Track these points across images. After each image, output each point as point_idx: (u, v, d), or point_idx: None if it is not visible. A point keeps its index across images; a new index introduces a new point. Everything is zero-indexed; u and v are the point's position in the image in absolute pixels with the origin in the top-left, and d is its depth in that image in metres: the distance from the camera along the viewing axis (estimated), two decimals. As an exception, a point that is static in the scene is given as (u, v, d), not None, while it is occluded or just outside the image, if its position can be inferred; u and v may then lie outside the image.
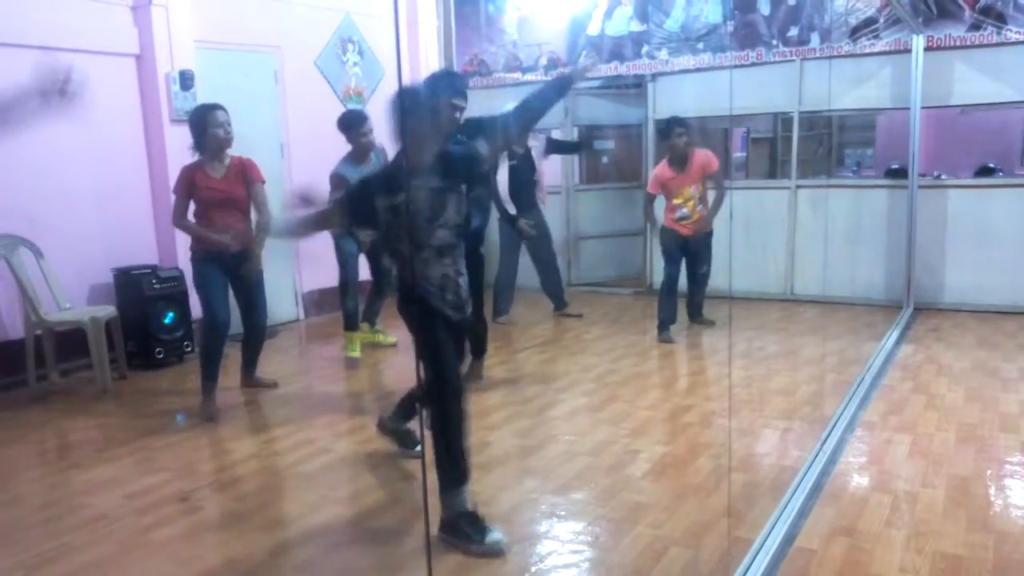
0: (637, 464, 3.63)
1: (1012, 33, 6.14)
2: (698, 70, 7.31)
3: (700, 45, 7.33)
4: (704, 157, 5.75)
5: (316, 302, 7.09)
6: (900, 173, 6.86)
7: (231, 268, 4.56)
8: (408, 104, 3.06)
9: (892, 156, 7.73)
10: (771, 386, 4.75)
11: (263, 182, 4.65)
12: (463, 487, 2.96)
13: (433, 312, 2.99)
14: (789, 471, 3.46)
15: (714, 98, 6.26)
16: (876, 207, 6.82)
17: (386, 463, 3.82)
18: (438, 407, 2.95)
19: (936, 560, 2.69)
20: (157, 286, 5.58)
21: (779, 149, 8.92)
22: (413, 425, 3.79)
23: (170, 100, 5.78)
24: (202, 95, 5.88)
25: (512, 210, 5.94)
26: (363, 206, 2.97)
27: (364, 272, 5.67)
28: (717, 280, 6.25)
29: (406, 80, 7.12)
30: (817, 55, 6.84)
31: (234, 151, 4.58)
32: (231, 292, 4.66)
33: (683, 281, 6.04)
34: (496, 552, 2.84)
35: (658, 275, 7.52)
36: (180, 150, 5.83)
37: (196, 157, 4.53)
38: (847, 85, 6.76)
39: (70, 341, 5.14)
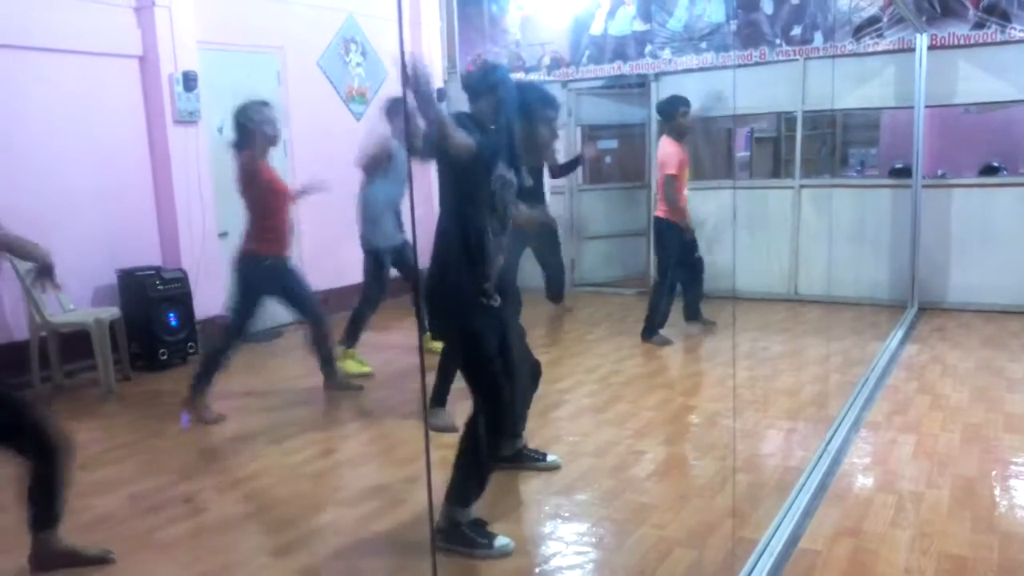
0: (641, 465, 3.63)
1: (1016, 31, 6.12)
2: (701, 69, 7.30)
3: (703, 44, 7.32)
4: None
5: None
6: (904, 172, 6.84)
7: (281, 275, 4.50)
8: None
9: (896, 155, 7.70)
10: (775, 386, 4.74)
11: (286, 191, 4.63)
12: (474, 503, 2.92)
13: (486, 314, 2.86)
14: (793, 471, 3.45)
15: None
16: (880, 206, 6.81)
17: (391, 465, 3.83)
18: (489, 423, 2.84)
19: (941, 561, 2.68)
20: (161, 287, 5.58)
21: (783, 148, 8.91)
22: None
23: (173, 101, 5.78)
24: (205, 96, 5.89)
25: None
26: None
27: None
28: (721, 280, 6.23)
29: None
30: (820, 54, 6.82)
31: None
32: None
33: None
34: (505, 555, 2.84)
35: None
36: (183, 151, 5.87)
37: (238, 155, 4.37)
38: (851, 84, 6.75)
39: (74, 342, 5.14)
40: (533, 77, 8.04)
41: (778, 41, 7.00)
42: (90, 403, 4.90)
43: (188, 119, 5.86)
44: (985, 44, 6.24)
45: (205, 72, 5.94)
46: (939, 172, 7.20)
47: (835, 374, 4.96)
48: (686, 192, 5.74)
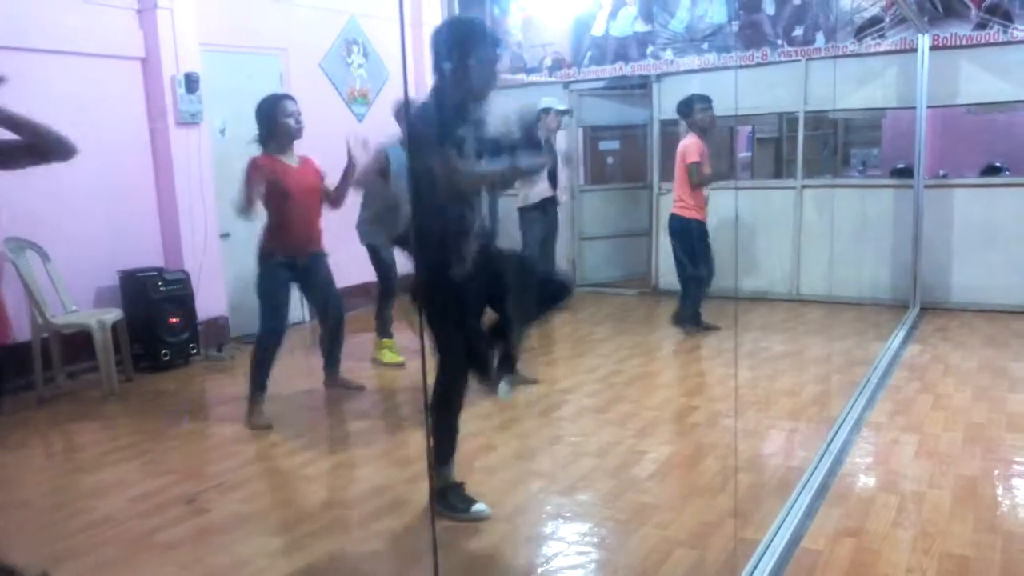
0: (643, 465, 3.62)
1: (1018, 32, 6.11)
2: (703, 70, 7.30)
3: (705, 45, 7.33)
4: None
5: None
6: (906, 172, 6.84)
7: (300, 271, 4.44)
8: (474, 36, 2.99)
9: (898, 156, 7.70)
10: (777, 387, 4.74)
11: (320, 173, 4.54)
12: (452, 460, 3.17)
13: (455, 288, 2.97)
14: (795, 472, 3.45)
15: (719, 98, 6.24)
16: (882, 207, 6.80)
17: (392, 465, 3.83)
18: (445, 386, 3.08)
19: (943, 561, 2.68)
20: (163, 288, 5.58)
21: (784, 149, 8.91)
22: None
23: (175, 103, 5.78)
24: (207, 98, 5.90)
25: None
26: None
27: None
28: (723, 280, 6.22)
29: (411, 84, 7.14)
30: (822, 55, 6.82)
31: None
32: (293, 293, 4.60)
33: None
34: (479, 519, 3.09)
35: (664, 276, 7.55)
36: (186, 153, 5.88)
37: (259, 151, 4.32)
38: (852, 85, 6.75)
39: (76, 344, 5.14)
40: (535, 78, 8.05)
41: (780, 42, 7.00)
42: (92, 404, 4.90)
43: (190, 121, 5.86)
44: (987, 44, 6.23)
45: (207, 74, 5.94)
46: (941, 172, 7.21)
47: (837, 374, 4.96)
48: (706, 191, 5.79)
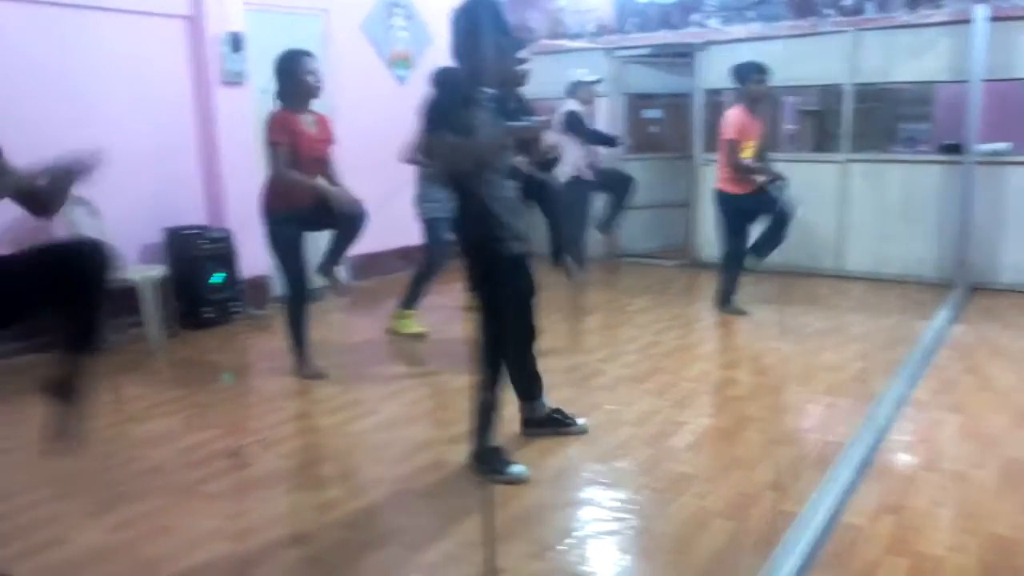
0: (681, 435, 3.62)
1: (1082, 4, 5.91)
2: (749, 40, 7.16)
3: (751, 14, 7.18)
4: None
5: (362, 266, 7.10)
6: (956, 148, 6.68)
7: (307, 219, 4.31)
8: (483, 24, 3.04)
9: (949, 130, 7.52)
10: (818, 361, 4.69)
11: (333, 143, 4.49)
12: (494, 430, 3.23)
13: (500, 254, 3.10)
14: (835, 447, 3.43)
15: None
16: (930, 183, 6.66)
17: (433, 426, 3.87)
18: (483, 362, 3.14)
19: (986, 540, 2.66)
20: (206, 246, 5.66)
21: (830, 122, 8.73)
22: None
23: (220, 62, 5.81)
24: (251, 57, 5.91)
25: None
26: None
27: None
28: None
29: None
30: (873, 25, 6.65)
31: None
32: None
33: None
34: (518, 481, 3.14)
35: (704, 248, 7.48)
36: (229, 112, 5.92)
37: (278, 106, 4.28)
38: (904, 56, 6.58)
39: (122, 299, 5.23)
40: (577, 44, 7.95)
41: (829, 11, 6.84)
42: (138, 359, 5.00)
43: (234, 80, 5.89)
44: (1049, 16, 6.03)
45: (251, 33, 5.95)
46: (1002, 146, 6.99)
47: (879, 351, 4.89)
48: (745, 155, 5.51)
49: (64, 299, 2.35)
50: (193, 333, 5.55)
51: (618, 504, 3.00)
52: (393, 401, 4.22)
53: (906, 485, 3.09)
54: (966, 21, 6.19)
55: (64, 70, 5.15)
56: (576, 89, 6.24)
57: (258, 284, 6.16)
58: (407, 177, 5.35)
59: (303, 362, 4.52)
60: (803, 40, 6.94)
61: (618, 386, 4.34)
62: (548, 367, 3.90)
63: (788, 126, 9.09)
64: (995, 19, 6.11)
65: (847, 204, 6.97)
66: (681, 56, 7.71)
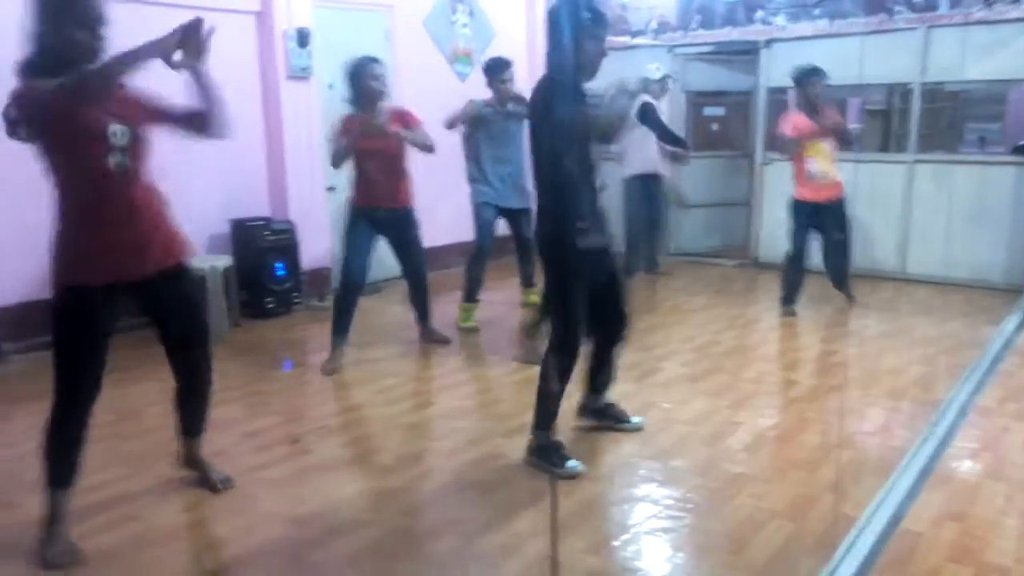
0: (738, 436, 3.60)
1: None
2: (814, 37, 7.04)
3: (818, 11, 7.05)
4: (833, 111, 5.54)
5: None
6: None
7: (384, 226, 4.65)
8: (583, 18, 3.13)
9: (1022, 131, 7.30)
10: (880, 365, 4.61)
11: (420, 123, 4.69)
12: (553, 425, 3.26)
13: (582, 256, 3.14)
14: (897, 452, 3.37)
15: (830, 67, 5.99)
16: (1001, 185, 6.45)
17: (489, 419, 3.91)
18: (557, 357, 3.18)
19: (1055, 552, 2.59)
20: (270, 238, 5.78)
21: (897, 122, 8.54)
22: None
23: (287, 57, 5.93)
24: (317, 53, 6.02)
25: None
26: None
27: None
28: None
29: (517, 46, 7.11)
30: (946, 22, 6.48)
31: (348, 109, 4.66)
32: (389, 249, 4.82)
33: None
34: (573, 476, 3.14)
35: (764, 248, 7.40)
36: (295, 107, 6.03)
37: (349, 109, 4.60)
38: (977, 54, 6.39)
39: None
40: (639, 40, 7.91)
41: (899, 8, 6.68)
42: (203, 345, 5.13)
43: (301, 75, 6.01)
44: None
45: (317, 29, 6.06)
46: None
47: (943, 356, 4.78)
48: (814, 166, 5.47)
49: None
50: (255, 323, 5.68)
51: (673, 502, 3.00)
52: (450, 393, 4.28)
53: (970, 493, 3.03)
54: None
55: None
56: (647, 85, 6.26)
57: (319, 276, 6.28)
58: (462, 172, 5.42)
59: (332, 355, 4.62)
60: (871, 38, 6.79)
61: (675, 385, 4.32)
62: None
63: (853, 125, 8.90)
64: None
65: (913, 206, 6.80)
66: (744, 54, 7.62)
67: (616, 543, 2.73)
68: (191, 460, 3.11)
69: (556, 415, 3.27)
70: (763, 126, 7.46)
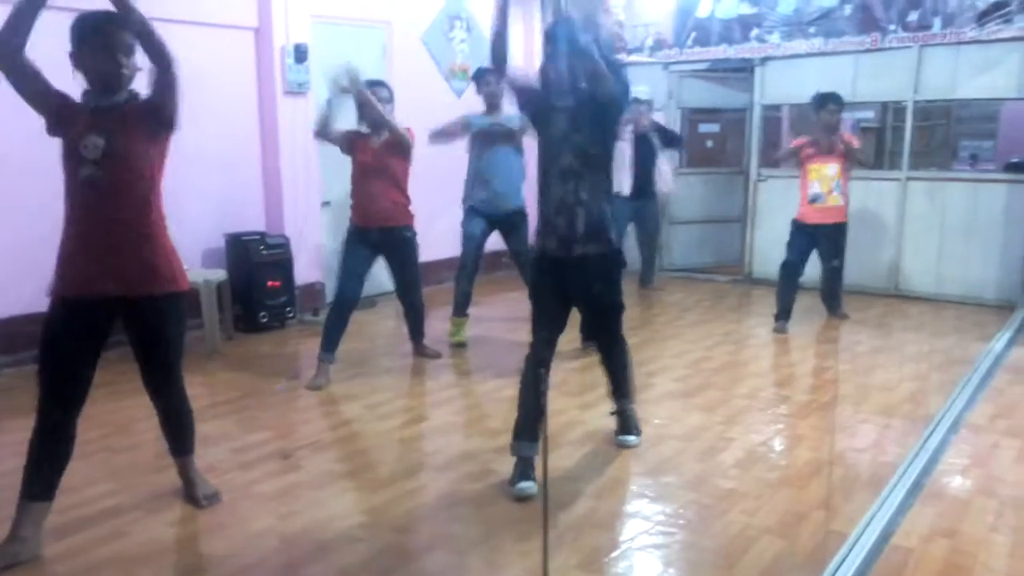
0: (730, 451, 3.60)
1: None
2: (808, 55, 7.10)
3: (812, 29, 7.11)
4: (848, 135, 5.69)
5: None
6: (1022, 167, 6.53)
7: (381, 247, 4.68)
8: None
9: (1014, 148, 7.35)
10: (871, 381, 4.63)
11: (414, 138, 4.68)
12: (522, 437, 3.25)
13: (540, 256, 3.30)
14: (887, 468, 3.38)
15: (824, 85, 6.05)
16: (993, 202, 6.50)
17: (480, 434, 3.90)
18: (525, 365, 3.31)
19: (1045, 569, 2.60)
20: (264, 252, 5.78)
21: (889, 139, 8.60)
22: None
23: (284, 72, 5.95)
24: (314, 68, 6.05)
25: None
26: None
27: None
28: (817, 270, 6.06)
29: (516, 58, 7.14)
30: (938, 41, 6.53)
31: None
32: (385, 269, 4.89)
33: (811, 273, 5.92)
34: (516, 498, 3.10)
35: (758, 264, 7.43)
36: (291, 122, 6.05)
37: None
38: (970, 73, 6.45)
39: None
40: (634, 58, 7.97)
41: (893, 27, 6.74)
42: (196, 360, 5.10)
43: (297, 90, 6.03)
44: None
45: (316, 45, 6.09)
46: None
47: (935, 372, 4.80)
48: (815, 188, 5.64)
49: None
50: (248, 336, 5.68)
51: (665, 518, 3.00)
52: (442, 409, 4.28)
53: (961, 509, 3.03)
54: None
55: (137, 80, 5.32)
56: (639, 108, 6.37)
57: (312, 291, 6.28)
58: (459, 188, 5.43)
59: (318, 370, 4.60)
60: (865, 56, 6.85)
61: (666, 400, 4.33)
62: (598, 379, 3.93)
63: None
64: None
65: (906, 222, 6.84)
66: (739, 71, 7.68)
67: (608, 559, 2.72)
68: (182, 476, 3.11)
69: (533, 428, 3.23)
70: (757, 143, 7.51)
